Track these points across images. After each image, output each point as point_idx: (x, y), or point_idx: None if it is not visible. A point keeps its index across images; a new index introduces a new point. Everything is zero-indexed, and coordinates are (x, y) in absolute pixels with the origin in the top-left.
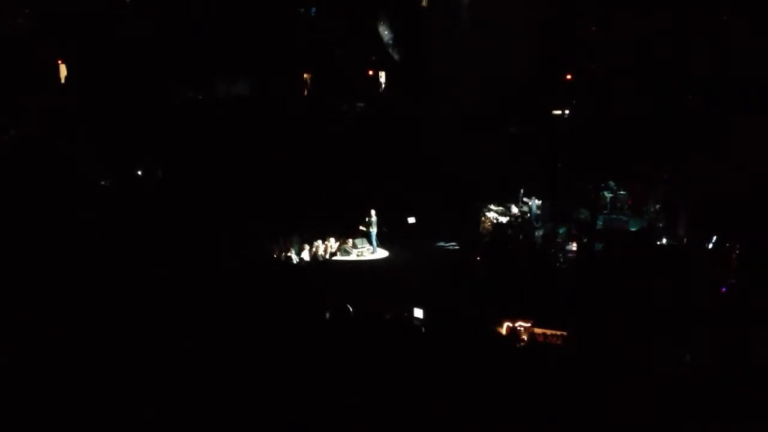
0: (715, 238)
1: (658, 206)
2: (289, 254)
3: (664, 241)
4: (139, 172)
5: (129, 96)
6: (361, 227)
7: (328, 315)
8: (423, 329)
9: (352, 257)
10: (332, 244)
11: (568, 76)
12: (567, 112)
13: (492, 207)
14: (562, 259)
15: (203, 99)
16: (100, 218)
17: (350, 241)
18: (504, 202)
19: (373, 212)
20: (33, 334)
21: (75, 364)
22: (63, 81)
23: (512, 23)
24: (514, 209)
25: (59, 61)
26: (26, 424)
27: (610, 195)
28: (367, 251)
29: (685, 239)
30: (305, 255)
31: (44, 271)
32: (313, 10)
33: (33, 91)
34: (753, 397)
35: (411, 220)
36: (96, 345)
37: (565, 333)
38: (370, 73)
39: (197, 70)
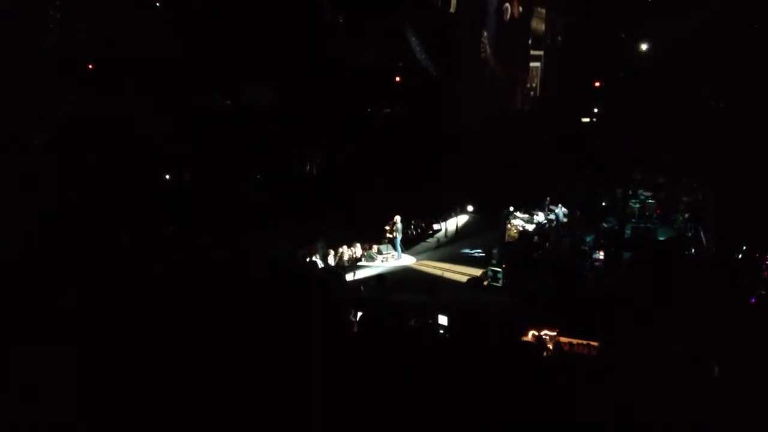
0: (744, 247)
1: (686, 215)
2: (314, 259)
3: (693, 250)
4: (167, 176)
5: (157, 101)
6: (387, 234)
7: (357, 317)
8: (447, 336)
9: (377, 263)
10: (357, 249)
11: (597, 84)
12: (596, 119)
13: (518, 214)
14: (589, 268)
15: (231, 104)
16: (128, 221)
17: (375, 246)
18: (530, 209)
19: (398, 218)
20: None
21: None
22: (93, 86)
23: (540, 30)
24: (541, 217)
25: (89, 66)
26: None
27: (638, 205)
28: (392, 257)
29: (713, 248)
30: (330, 260)
31: (65, 273)
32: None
33: (62, 96)
34: None
35: (437, 226)
36: (112, 345)
37: (591, 342)
38: (397, 78)
39: (226, 76)
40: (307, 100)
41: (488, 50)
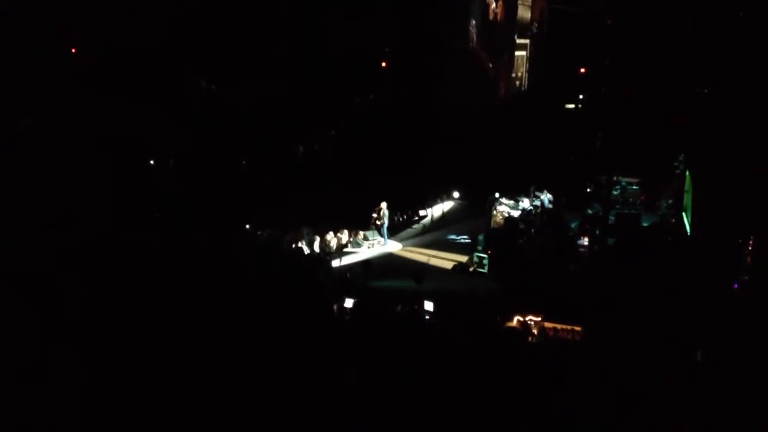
0: (728, 233)
1: (670, 201)
2: (300, 246)
3: (676, 236)
4: (152, 162)
5: (145, 86)
6: (376, 221)
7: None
8: (433, 322)
9: (363, 249)
10: (343, 236)
11: (582, 70)
12: (580, 106)
13: (503, 201)
14: (573, 254)
15: (216, 92)
16: (112, 208)
17: (361, 233)
18: (516, 196)
19: (384, 204)
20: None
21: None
22: (79, 70)
23: (526, 19)
24: (526, 203)
25: (72, 50)
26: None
27: (618, 191)
28: (378, 244)
29: (697, 234)
30: (316, 247)
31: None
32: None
33: (48, 80)
34: (763, 395)
35: (423, 212)
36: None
37: (575, 327)
38: (384, 64)
39: (215, 65)
40: (293, 88)
41: (475, 39)
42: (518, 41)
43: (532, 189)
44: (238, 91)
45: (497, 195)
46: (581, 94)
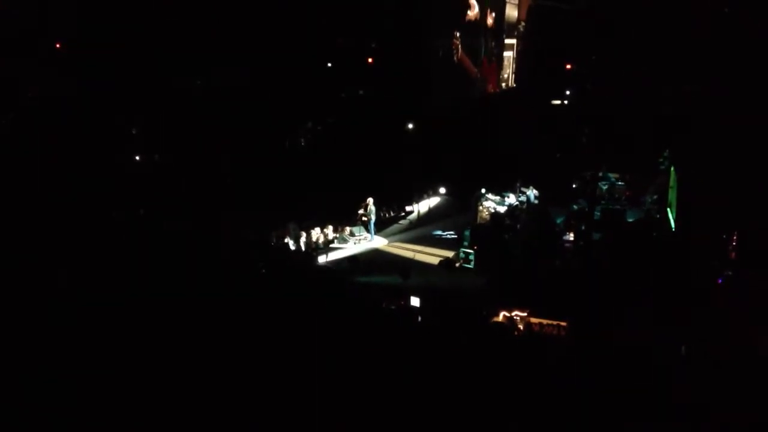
0: (711, 228)
1: (655, 197)
2: (285, 241)
3: (661, 232)
4: (137, 158)
5: (128, 81)
6: (363, 217)
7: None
8: (419, 318)
9: (350, 245)
10: (330, 231)
11: (568, 67)
12: (566, 102)
13: (489, 196)
14: (559, 249)
15: (202, 86)
16: (97, 202)
17: (348, 228)
18: (502, 191)
19: (370, 200)
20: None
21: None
22: (61, 65)
23: (513, 17)
24: (512, 199)
25: (57, 45)
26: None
27: (606, 186)
28: (365, 239)
29: (681, 230)
30: (302, 242)
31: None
32: None
33: (33, 75)
34: (748, 390)
35: (409, 208)
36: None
37: (561, 323)
38: (370, 60)
39: (196, 58)
40: (279, 83)
41: (461, 50)
42: (506, 41)
43: (518, 185)
44: (225, 86)
45: (483, 191)
46: (567, 90)
